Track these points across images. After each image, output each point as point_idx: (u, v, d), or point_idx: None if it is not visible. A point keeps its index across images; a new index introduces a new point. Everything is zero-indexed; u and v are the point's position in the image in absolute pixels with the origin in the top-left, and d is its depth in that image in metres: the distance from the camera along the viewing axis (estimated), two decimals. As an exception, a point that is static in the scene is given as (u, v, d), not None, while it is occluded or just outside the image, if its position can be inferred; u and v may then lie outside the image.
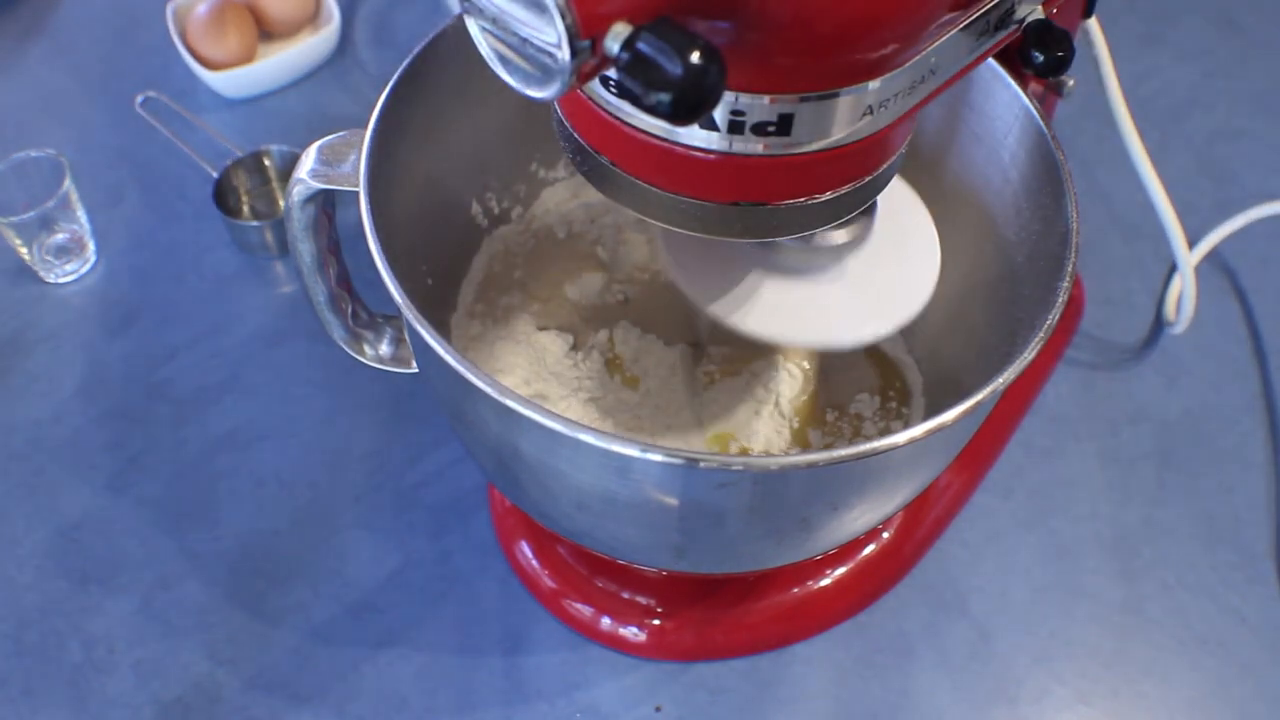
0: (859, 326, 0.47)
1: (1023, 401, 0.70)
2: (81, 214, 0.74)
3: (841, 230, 0.45)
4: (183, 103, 0.84)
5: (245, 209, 0.79)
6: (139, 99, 0.83)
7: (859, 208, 0.40)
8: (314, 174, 0.46)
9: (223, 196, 0.76)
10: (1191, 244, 0.73)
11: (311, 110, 0.86)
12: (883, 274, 0.47)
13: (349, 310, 0.53)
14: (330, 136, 0.47)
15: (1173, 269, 0.77)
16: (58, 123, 0.85)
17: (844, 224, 0.45)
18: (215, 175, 0.76)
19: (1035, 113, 0.50)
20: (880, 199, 0.46)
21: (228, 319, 0.73)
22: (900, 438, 0.39)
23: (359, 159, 0.46)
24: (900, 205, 0.50)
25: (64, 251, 0.75)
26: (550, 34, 0.28)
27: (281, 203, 0.79)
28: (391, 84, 0.49)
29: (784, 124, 0.35)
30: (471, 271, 0.61)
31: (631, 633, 0.59)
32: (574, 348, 0.60)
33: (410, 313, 0.41)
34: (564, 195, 0.64)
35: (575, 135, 0.39)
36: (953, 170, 0.57)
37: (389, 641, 0.59)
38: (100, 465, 0.66)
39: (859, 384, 0.60)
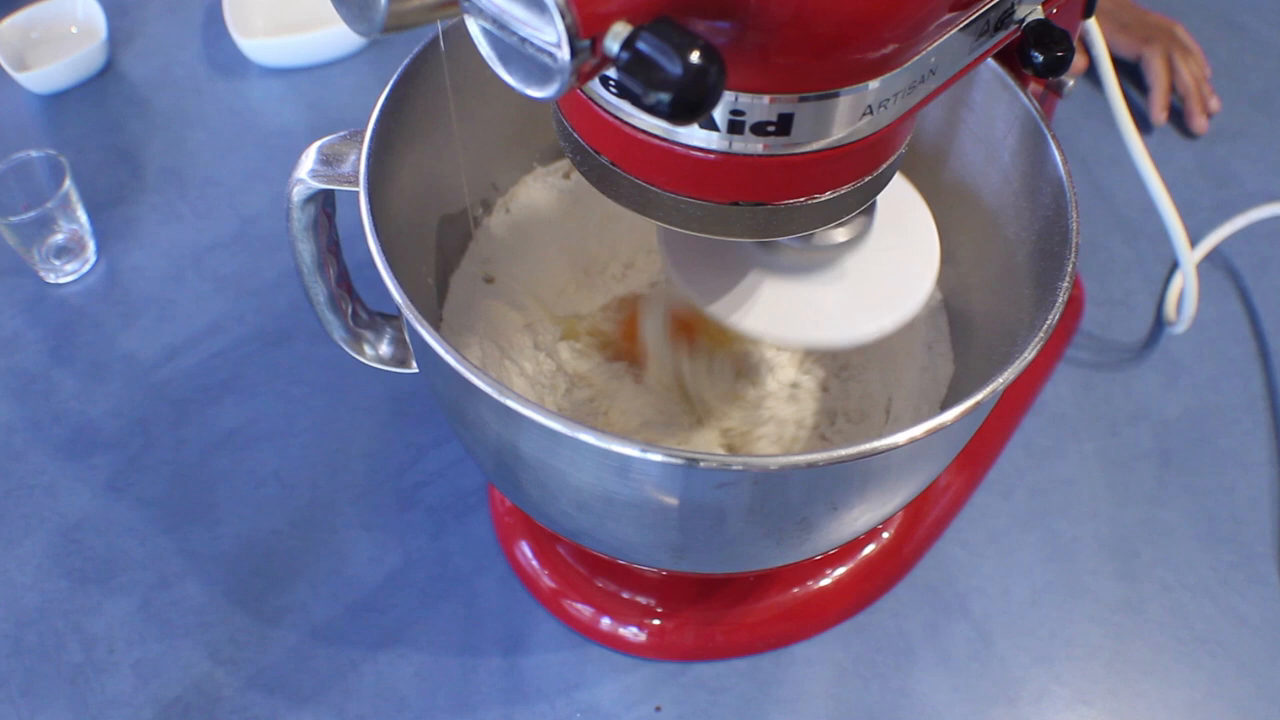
0: (857, 325, 0.47)
1: (1023, 401, 0.70)
2: (81, 214, 0.74)
3: (840, 229, 0.45)
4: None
5: None
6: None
7: (859, 207, 0.40)
8: (314, 174, 0.46)
9: None
10: (1192, 244, 0.73)
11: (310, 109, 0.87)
12: (882, 272, 0.47)
13: (349, 310, 0.53)
14: (330, 136, 0.47)
15: (1173, 269, 0.77)
16: (58, 123, 0.85)
17: (843, 223, 0.45)
18: None
19: (1035, 113, 0.50)
20: (880, 196, 0.46)
21: (228, 319, 0.73)
22: (900, 437, 0.39)
23: (359, 159, 0.46)
24: (899, 202, 0.50)
25: (64, 251, 0.75)
26: (550, 34, 0.28)
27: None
28: (391, 84, 0.49)
29: (784, 124, 0.35)
30: (462, 266, 0.61)
31: (631, 633, 0.59)
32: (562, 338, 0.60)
33: (410, 313, 0.41)
34: (544, 193, 0.64)
35: (575, 135, 0.39)
36: (953, 170, 0.57)
37: (389, 641, 0.59)
38: (100, 465, 0.66)
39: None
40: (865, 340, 0.47)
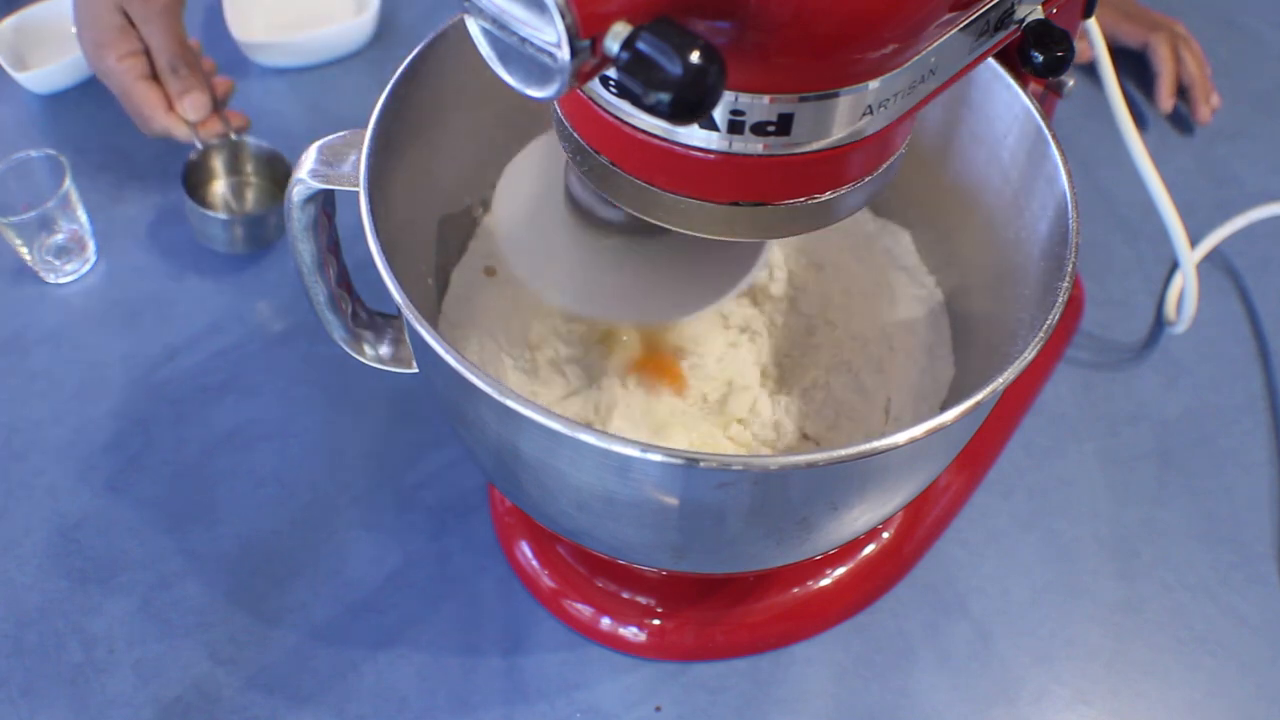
0: (671, 307, 0.49)
1: (1023, 401, 0.70)
2: (81, 214, 0.74)
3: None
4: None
5: (214, 195, 0.76)
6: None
7: (859, 208, 0.40)
8: (314, 174, 0.46)
9: (192, 179, 0.74)
10: (1192, 244, 0.73)
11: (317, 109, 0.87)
12: (704, 255, 0.48)
13: (349, 310, 0.53)
14: (330, 136, 0.47)
15: (1173, 269, 0.77)
16: (58, 123, 0.85)
17: None
18: (190, 156, 0.74)
19: (1035, 113, 0.50)
20: None
21: (228, 319, 0.73)
22: (900, 437, 0.39)
23: (359, 159, 0.46)
24: None
25: (64, 251, 0.75)
26: (550, 34, 0.28)
27: (250, 198, 0.77)
28: (391, 84, 0.49)
29: (784, 124, 0.35)
30: (463, 261, 0.61)
31: (631, 633, 0.59)
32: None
33: (410, 313, 0.41)
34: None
35: (575, 135, 0.39)
36: (953, 170, 0.57)
37: (389, 641, 0.59)
38: (100, 465, 0.66)
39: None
40: (682, 318, 0.49)
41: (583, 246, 0.48)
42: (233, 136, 0.76)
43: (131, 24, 0.73)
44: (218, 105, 0.75)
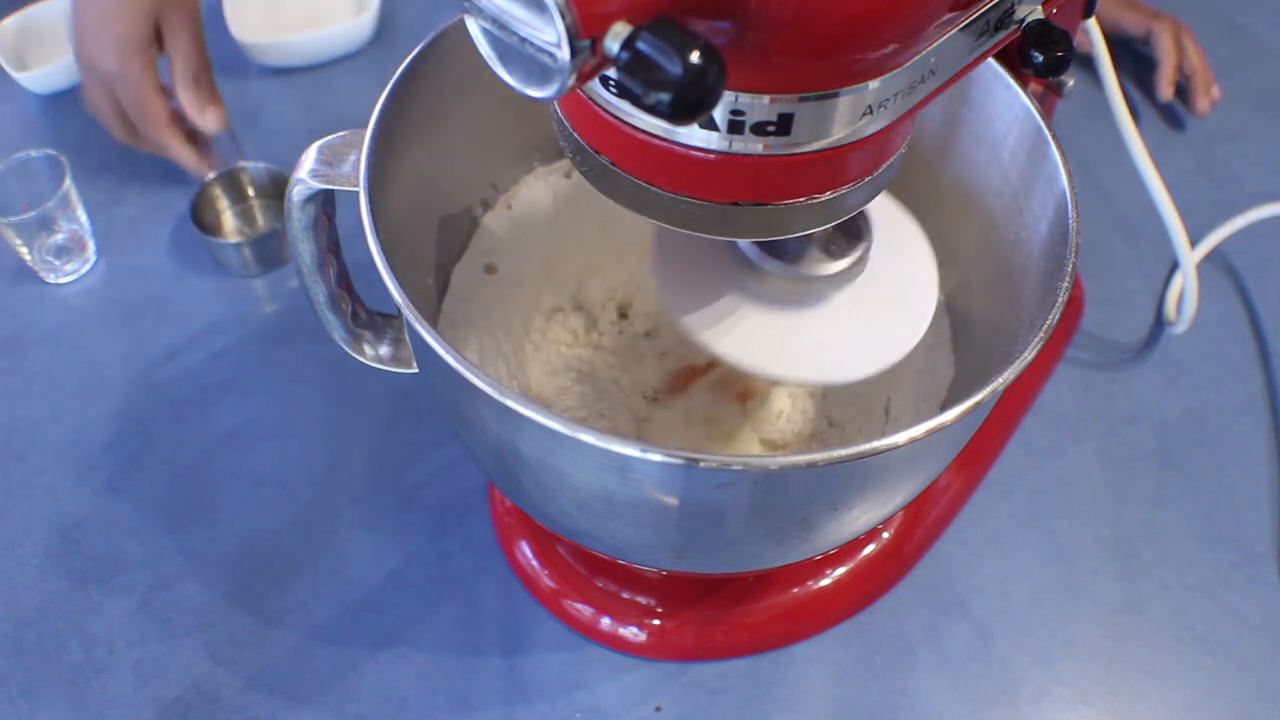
0: (847, 364, 0.47)
1: (1023, 401, 0.70)
2: (81, 214, 0.74)
3: (836, 261, 0.45)
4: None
5: (225, 226, 0.78)
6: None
7: (859, 207, 0.40)
8: (314, 174, 0.46)
9: (201, 213, 0.76)
10: (1192, 244, 0.73)
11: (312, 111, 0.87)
12: (875, 309, 0.47)
13: (349, 310, 0.53)
14: (330, 136, 0.47)
15: (1173, 269, 0.77)
16: (58, 123, 0.85)
17: (839, 256, 0.45)
18: (193, 193, 0.76)
19: (1035, 113, 0.50)
20: (879, 230, 0.46)
21: (228, 319, 0.73)
22: (900, 437, 0.39)
23: (359, 159, 0.46)
24: (899, 237, 0.50)
25: (64, 251, 0.75)
26: (550, 34, 0.28)
27: (260, 220, 0.79)
28: (391, 84, 0.49)
29: (784, 124, 0.35)
30: (464, 260, 0.61)
31: (631, 633, 0.59)
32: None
33: (410, 313, 0.41)
34: (545, 191, 0.64)
35: (575, 135, 0.39)
36: (953, 170, 0.57)
37: (389, 641, 0.59)
38: (100, 465, 0.66)
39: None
40: (854, 380, 0.47)
41: (751, 298, 0.47)
42: (239, 163, 0.77)
43: (156, 37, 0.74)
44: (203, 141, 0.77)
